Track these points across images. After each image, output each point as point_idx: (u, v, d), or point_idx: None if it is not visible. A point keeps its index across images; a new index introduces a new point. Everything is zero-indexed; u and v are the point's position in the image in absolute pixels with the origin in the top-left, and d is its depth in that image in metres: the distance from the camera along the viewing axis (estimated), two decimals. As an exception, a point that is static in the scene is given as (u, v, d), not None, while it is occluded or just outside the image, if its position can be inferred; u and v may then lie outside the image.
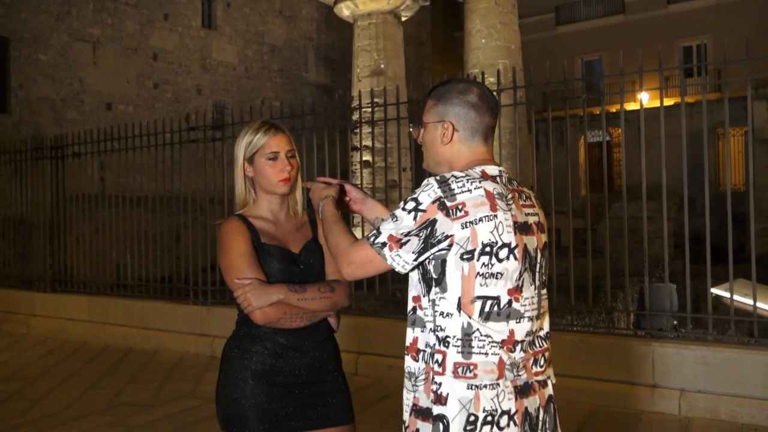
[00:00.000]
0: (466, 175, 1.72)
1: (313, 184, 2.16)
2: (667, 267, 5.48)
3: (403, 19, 14.60)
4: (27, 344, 8.07)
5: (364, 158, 11.48)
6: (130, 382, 6.22)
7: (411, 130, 1.99)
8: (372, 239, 1.75)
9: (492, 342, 1.69)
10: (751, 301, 5.04)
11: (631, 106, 19.47)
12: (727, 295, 5.22)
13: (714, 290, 5.44)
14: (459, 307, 1.70)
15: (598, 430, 4.65)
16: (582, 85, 6.18)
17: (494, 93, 6.28)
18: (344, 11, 14.11)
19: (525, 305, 1.74)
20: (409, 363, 1.81)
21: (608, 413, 4.95)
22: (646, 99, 5.72)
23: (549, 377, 1.84)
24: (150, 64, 19.22)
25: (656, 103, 5.94)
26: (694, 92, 21.32)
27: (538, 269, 1.79)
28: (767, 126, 19.83)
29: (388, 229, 1.73)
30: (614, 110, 18.21)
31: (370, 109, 6.87)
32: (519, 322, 1.72)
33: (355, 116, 7.47)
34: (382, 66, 13.89)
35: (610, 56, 27.35)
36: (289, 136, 2.25)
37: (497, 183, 1.75)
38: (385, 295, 6.72)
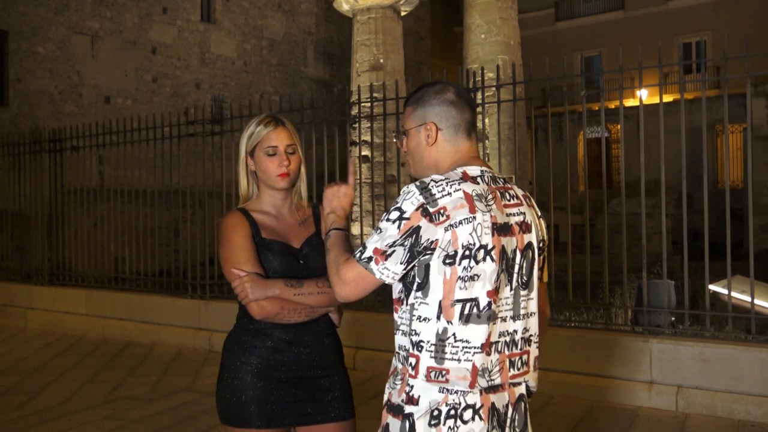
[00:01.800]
0: (446, 178, 1.73)
1: (326, 192, 2.05)
2: (666, 263, 5.49)
3: (403, 14, 14.57)
4: (25, 337, 8.07)
5: (363, 153, 11.48)
6: (128, 375, 6.22)
7: (395, 140, 1.99)
8: (359, 255, 1.74)
9: (467, 347, 1.69)
10: (748, 298, 5.05)
11: (630, 103, 19.46)
12: (725, 291, 5.23)
13: (712, 287, 5.45)
14: (439, 312, 1.70)
15: (595, 426, 4.66)
16: (581, 81, 6.18)
17: (494, 89, 6.30)
18: (343, 6, 14.08)
19: (500, 306, 1.74)
20: (393, 361, 1.84)
21: (605, 409, 4.96)
22: (645, 95, 5.72)
23: (527, 381, 1.82)
24: (149, 58, 19.18)
25: (655, 100, 5.94)
26: (692, 88, 21.32)
27: (516, 270, 1.78)
28: (766, 123, 19.83)
29: (372, 242, 1.72)
30: (613, 106, 18.19)
31: (369, 104, 6.87)
32: (494, 323, 1.72)
33: (354, 111, 7.47)
34: (382, 61, 13.87)
35: (609, 52, 27.34)
36: (291, 130, 2.23)
37: (478, 183, 1.75)
38: (383, 290, 6.72)
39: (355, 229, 10.92)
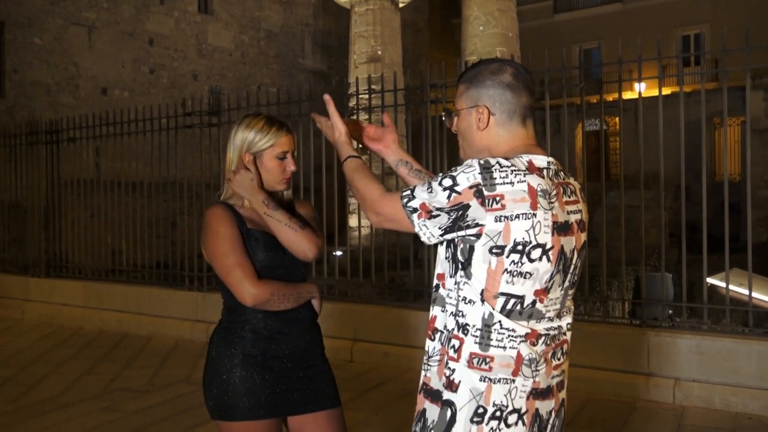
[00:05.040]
0: (512, 165, 1.60)
1: (319, 120, 2.06)
2: (664, 256, 5.49)
3: (401, 5, 14.53)
4: (21, 329, 8.06)
5: (360, 145, 11.47)
6: (125, 367, 6.22)
7: (444, 119, 1.88)
8: (405, 200, 1.65)
9: (513, 336, 1.62)
10: (746, 291, 5.05)
11: (628, 95, 19.43)
12: (723, 284, 5.23)
13: (709, 280, 5.45)
14: (482, 298, 1.62)
15: (593, 419, 4.67)
16: (580, 74, 6.16)
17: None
18: (341, -3, 14.05)
19: (548, 306, 1.66)
20: (427, 341, 1.75)
21: (603, 402, 4.96)
22: (644, 88, 5.70)
23: (563, 375, 1.76)
24: (146, 49, 19.11)
25: (654, 92, 5.93)
26: (691, 81, 21.30)
27: (571, 270, 1.70)
28: (764, 116, 19.82)
29: (422, 197, 1.63)
30: (612, 99, 18.17)
31: (367, 96, 6.84)
32: (539, 321, 1.66)
33: (352, 103, 7.43)
34: (379, 52, 13.84)
35: (608, 45, 27.29)
36: (294, 135, 2.29)
37: (543, 177, 1.63)
38: (380, 283, 6.71)
39: (353, 221, 10.90)
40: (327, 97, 2.09)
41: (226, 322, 2.23)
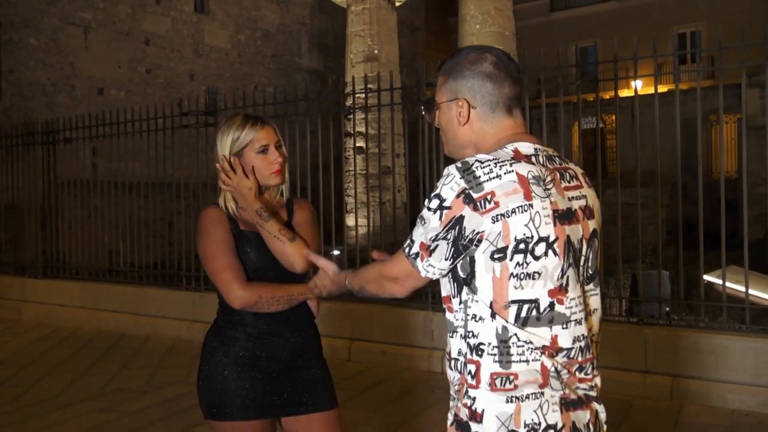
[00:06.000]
0: (494, 158, 1.48)
1: (315, 284, 2.04)
2: (660, 254, 5.49)
3: (397, 4, 14.53)
4: (19, 330, 8.05)
5: (357, 144, 11.47)
6: (123, 368, 6.22)
7: (424, 113, 1.76)
8: (407, 250, 1.54)
9: (532, 348, 1.48)
10: (743, 288, 5.06)
11: (625, 93, 19.44)
12: (720, 281, 5.24)
13: (706, 277, 5.46)
14: (492, 312, 1.48)
15: (590, 416, 4.67)
16: (576, 72, 6.17)
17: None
18: (338, -4, 14.04)
19: (571, 307, 1.51)
20: (447, 369, 1.63)
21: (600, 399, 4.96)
22: (640, 86, 5.71)
23: (596, 386, 1.61)
24: (142, 49, 19.07)
25: (650, 90, 5.94)
26: (687, 79, 21.32)
27: (582, 263, 1.56)
28: (760, 113, 19.86)
29: (419, 235, 1.51)
30: (608, 97, 18.18)
31: (363, 95, 6.84)
32: (565, 327, 1.50)
33: (349, 102, 7.44)
34: (376, 52, 13.84)
35: (604, 43, 27.32)
36: (274, 127, 2.24)
37: (533, 164, 1.50)
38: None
39: (350, 221, 10.90)
40: (306, 251, 2.11)
41: (220, 322, 2.23)
